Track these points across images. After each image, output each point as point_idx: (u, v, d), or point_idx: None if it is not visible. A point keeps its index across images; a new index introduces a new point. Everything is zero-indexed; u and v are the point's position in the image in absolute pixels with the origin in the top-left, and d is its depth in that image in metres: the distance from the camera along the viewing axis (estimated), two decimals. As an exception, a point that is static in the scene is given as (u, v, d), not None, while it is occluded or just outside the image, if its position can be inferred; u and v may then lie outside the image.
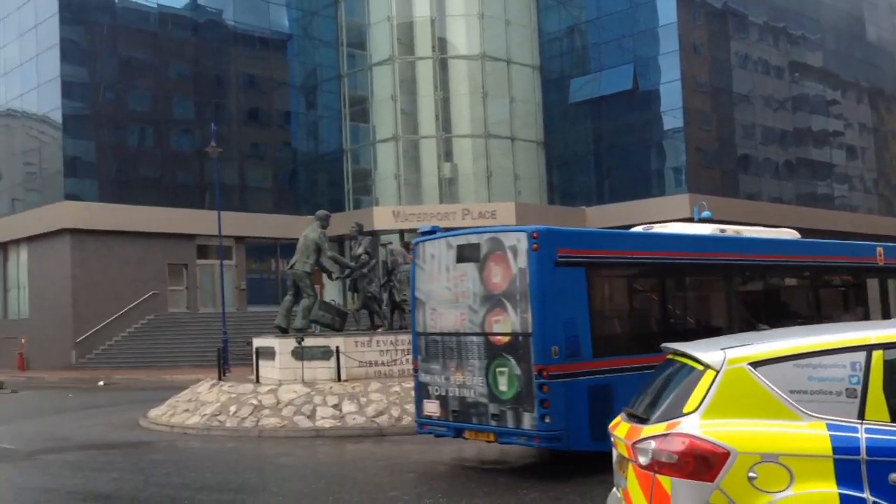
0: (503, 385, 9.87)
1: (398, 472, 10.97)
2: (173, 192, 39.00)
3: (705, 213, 33.27)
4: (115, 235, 36.07)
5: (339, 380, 15.93)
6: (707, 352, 4.74)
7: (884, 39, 54.04)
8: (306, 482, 10.57)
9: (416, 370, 11.12)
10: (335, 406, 14.99)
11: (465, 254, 10.37)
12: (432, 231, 11.14)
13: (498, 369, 9.91)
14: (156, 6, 39.82)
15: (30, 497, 10.09)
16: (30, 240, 38.66)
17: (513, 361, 9.76)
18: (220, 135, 31.00)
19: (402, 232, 39.49)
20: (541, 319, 9.53)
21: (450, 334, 10.52)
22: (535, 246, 9.56)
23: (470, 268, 10.29)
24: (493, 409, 9.99)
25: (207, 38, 41.39)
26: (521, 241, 9.72)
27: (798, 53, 46.98)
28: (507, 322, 9.86)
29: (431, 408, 10.77)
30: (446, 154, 42.09)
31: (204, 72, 41.28)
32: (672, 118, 40.05)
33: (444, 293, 10.65)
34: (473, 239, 10.37)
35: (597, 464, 8.67)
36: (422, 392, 10.96)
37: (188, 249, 38.62)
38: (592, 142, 43.28)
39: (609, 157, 42.53)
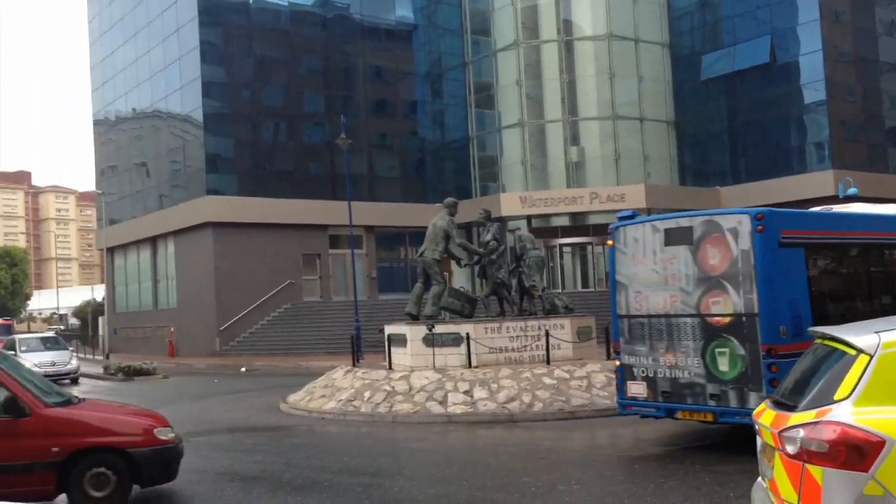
0: (724, 365, 10.04)
1: (530, 458, 10.90)
2: (306, 184, 40.22)
3: (851, 190, 31.39)
4: (252, 227, 37.58)
5: (470, 366, 15.99)
6: (860, 336, 4.42)
7: None
8: (439, 467, 10.66)
9: (617, 352, 11.34)
10: (466, 392, 15.06)
11: (675, 237, 10.62)
12: (632, 215, 11.43)
13: (717, 350, 10.09)
14: (287, 5, 41.10)
15: (183, 477, 10.61)
16: (176, 233, 40.85)
17: (735, 342, 9.95)
18: (348, 126, 31.71)
19: (529, 217, 39.30)
20: (768, 300, 9.73)
21: (658, 316, 10.77)
22: (759, 228, 9.75)
23: (681, 250, 10.55)
24: (711, 389, 10.17)
25: (336, 33, 42.36)
26: (742, 224, 9.90)
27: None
28: (727, 303, 10.05)
29: (637, 389, 11.01)
30: (573, 138, 41.51)
31: (333, 66, 42.30)
32: (813, 91, 37.96)
33: (651, 276, 10.90)
34: (684, 222, 10.59)
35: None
36: (625, 374, 11.19)
37: (321, 239, 39.77)
38: (727, 119, 41.63)
39: (745, 135, 40.77)
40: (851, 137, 38.92)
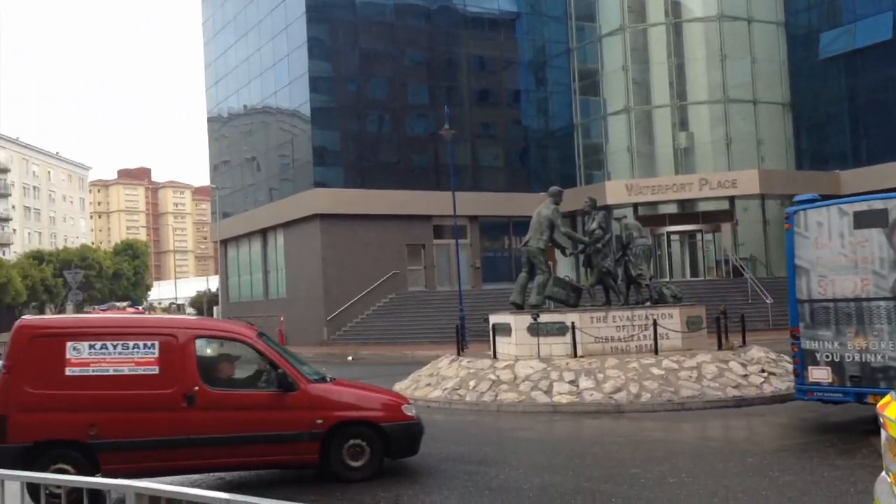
0: None
1: (638, 449, 10.65)
2: (410, 175, 40.60)
3: None
4: (358, 219, 38.21)
5: (575, 355, 15.78)
6: None
7: None
8: (545, 456, 10.55)
9: (796, 338, 11.24)
10: (571, 382, 14.87)
11: (867, 219, 10.57)
12: (812, 199, 11.31)
13: None
14: (392, -2, 41.54)
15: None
16: (285, 225, 41.97)
17: None
18: (452, 117, 31.78)
19: (635, 206, 38.49)
20: None
21: (847, 300, 10.70)
22: None
23: (874, 233, 10.51)
24: None
25: (440, 24, 42.51)
26: None
27: None
28: None
29: (820, 374, 10.96)
30: (681, 123, 40.37)
31: (436, 57, 42.50)
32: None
33: (838, 259, 10.84)
34: (878, 204, 10.53)
35: None
36: (806, 359, 11.13)
37: (425, 230, 40.08)
38: (847, 100, 39.57)
39: (866, 116, 38.66)
40: None
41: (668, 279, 35.53)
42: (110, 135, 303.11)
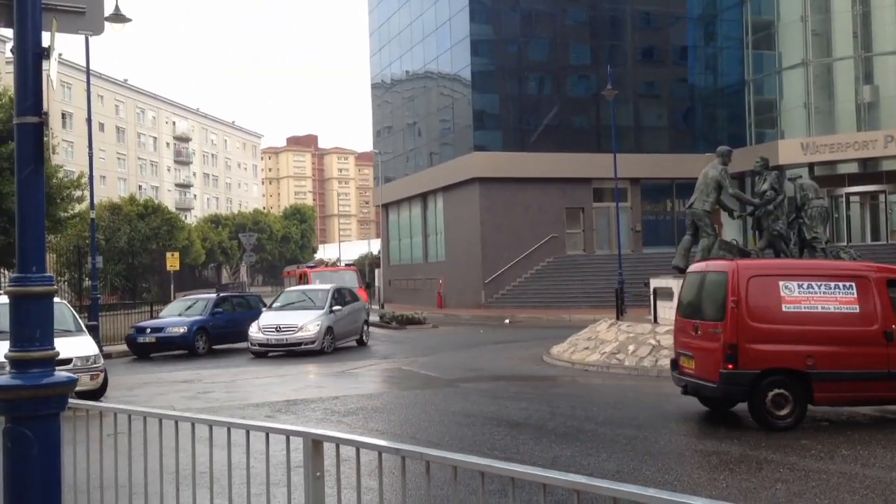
0: None
1: (808, 420, 10.11)
2: (570, 138, 40.04)
3: None
4: (516, 182, 38.15)
5: (742, 322, 15.12)
6: None
7: None
8: (707, 423, 10.23)
9: None
10: (738, 349, 14.28)
11: None
12: None
13: None
14: (554, -45, 40.78)
15: (454, 420, 11.12)
16: (445, 189, 42.55)
17: None
18: (614, 77, 30.99)
19: (811, 165, 36.29)
20: None
21: None
22: None
23: None
24: None
25: (603, -20, 41.42)
26: None
27: None
28: None
29: None
30: (866, 76, 37.47)
31: (600, 15, 41.49)
32: None
33: None
34: None
35: None
36: None
37: (584, 193, 39.51)
38: None
39: None
40: None
41: (846, 243, 33.36)
42: (281, 104, 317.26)
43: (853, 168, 37.47)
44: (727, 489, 7.05)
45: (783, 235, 16.49)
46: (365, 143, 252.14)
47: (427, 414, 11.46)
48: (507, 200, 38.12)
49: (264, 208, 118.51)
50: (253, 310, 23.16)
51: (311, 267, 37.00)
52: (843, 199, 37.23)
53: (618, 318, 18.27)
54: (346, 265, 45.08)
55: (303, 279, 34.84)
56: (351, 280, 32.75)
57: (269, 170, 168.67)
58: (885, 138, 34.84)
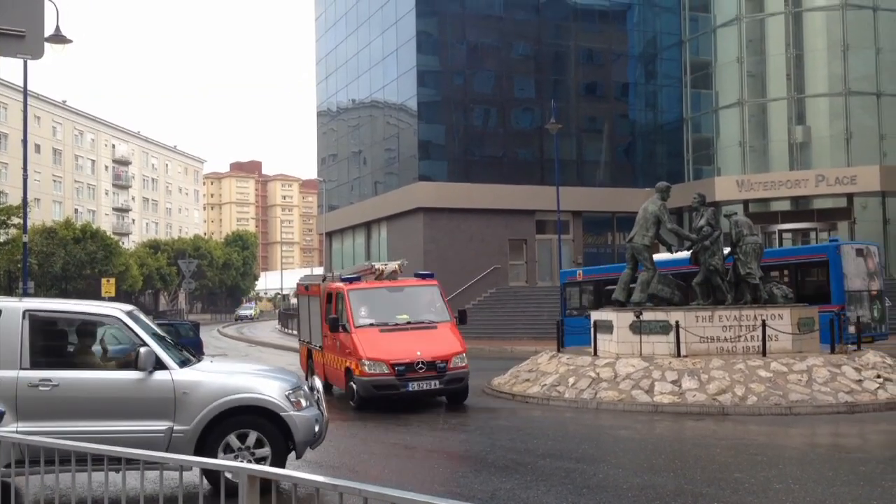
0: None
1: (743, 453, 10.31)
2: (514, 170, 40.50)
3: None
4: (461, 213, 38.39)
5: (679, 355, 15.41)
6: None
7: None
8: (645, 456, 10.35)
9: None
10: (674, 382, 14.54)
11: None
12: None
13: None
14: (501, -10, 41.47)
15: (393, 452, 11.05)
16: (389, 218, 42.57)
17: None
18: (558, 111, 31.53)
19: (745, 202, 37.29)
20: None
21: None
22: None
23: None
24: None
25: (548, 17, 42.22)
26: None
27: None
28: None
29: None
30: (798, 116, 38.78)
31: (544, 50, 42.25)
32: None
33: None
34: None
35: None
36: None
37: (527, 225, 39.91)
38: (979, 92, 37.15)
39: None
40: None
41: (779, 279, 34.24)
42: (225, 130, 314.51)
43: (786, 206, 38.60)
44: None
45: (719, 270, 16.89)
46: (310, 171, 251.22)
47: (366, 445, 11.36)
48: (451, 231, 38.30)
49: (205, 234, 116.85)
50: (182, 338, 22.44)
51: (350, 280, 16.29)
52: (776, 235, 38.27)
53: (559, 350, 18.40)
54: (420, 275, 17.30)
55: (333, 302, 16.39)
56: (430, 303, 16.10)
57: (212, 195, 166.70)
58: (817, 177, 36.02)
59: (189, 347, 9.62)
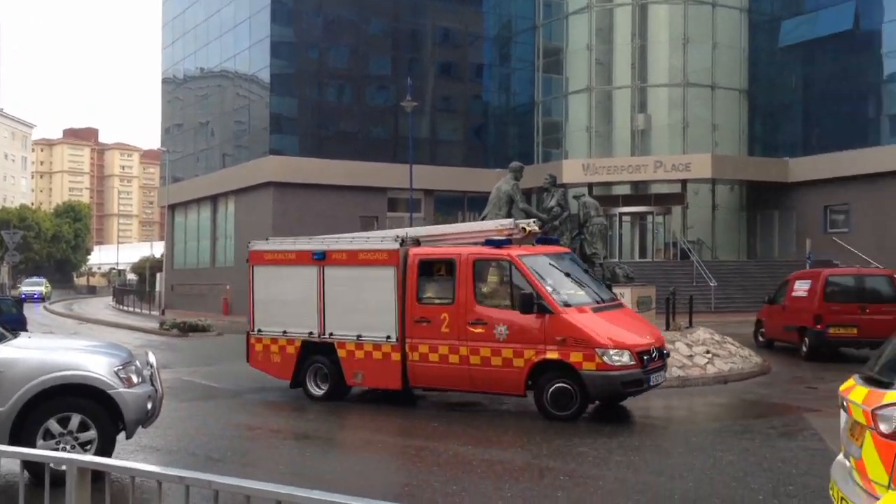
0: None
1: (583, 425, 10.57)
2: (367, 147, 40.14)
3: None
4: (312, 189, 37.66)
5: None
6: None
7: None
8: (496, 432, 10.41)
9: None
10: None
11: None
12: None
13: None
14: (360, -36, 40.77)
15: (236, 433, 10.62)
16: (237, 192, 41.21)
17: None
18: (414, 88, 31.40)
19: (590, 185, 38.60)
20: None
21: None
22: None
23: None
24: None
25: (408, -6, 41.95)
26: None
27: None
28: None
29: None
30: (641, 105, 40.50)
31: (401, 27, 41.99)
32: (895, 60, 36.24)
33: None
34: None
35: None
36: None
37: (379, 202, 39.71)
38: (801, 88, 40.05)
39: (819, 105, 39.13)
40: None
41: (617, 259, 35.77)
42: (58, 93, 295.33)
43: (626, 190, 40.28)
44: (512, 499, 7.16)
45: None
46: (153, 141, 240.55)
47: (207, 427, 10.86)
48: (301, 206, 37.51)
49: (33, 204, 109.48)
50: (3, 315, 20.72)
51: (500, 244, 12.05)
52: (617, 218, 39.91)
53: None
54: (546, 240, 13.59)
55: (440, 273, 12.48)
56: (586, 275, 13.26)
57: (41, 163, 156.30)
58: (655, 164, 37.75)
59: (7, 325, 8.75)
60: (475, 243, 12.13)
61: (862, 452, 4.11)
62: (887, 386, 4.10)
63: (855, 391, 4.38)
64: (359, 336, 12.26)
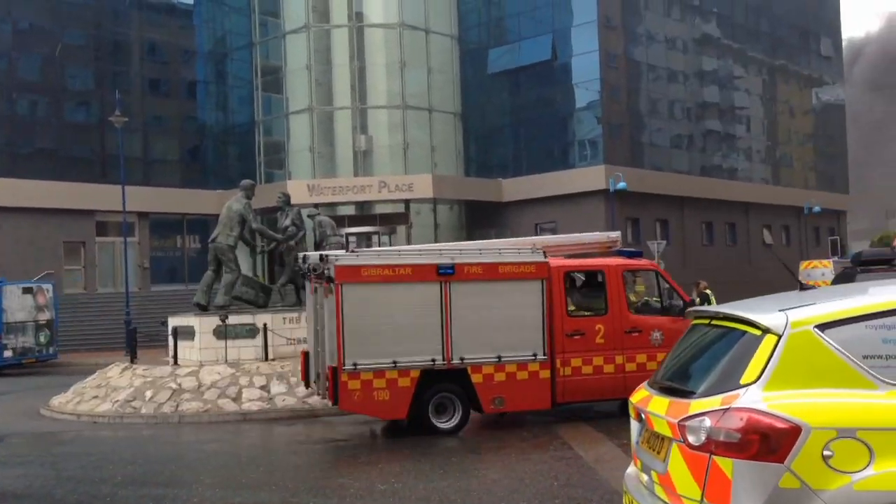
0: None
1: (341, 456, 10.15)
2: (70, 165, 36.60)
3: (620, 185, 33.46)
4: (5, 212, 33.60)
5: (267, 359, 14.94)
6: (765, 314, 4.06)
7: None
8: (242, 470, 9.62)
9: None
10: (262, 387, 14.01)
11: None
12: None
13: None
14: (50, -34, 37.16)
15: None
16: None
17: None
18: (123, 103, 29.21)
19: (316, 206, 38.13)
20: None
21: None
22: None
23: None
24: None
25: (108, 3, 38.97)
26: None
27: (708, 27, 47.53)
28: None
29: None
30: (362, 126, 40.87)
31: (103, 37, 38.86)
32: (586, 91, 39.89)
33: None
34: None
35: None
36: None
37: (86, 226, 36.33)
38: (510, 113, 42.77)
39: (526, 129, 42.07)
40: (618, 136, 41.23)
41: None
42: None
43: (352, 210, 40.43)
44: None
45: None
46: None
47: None
48: (-7, 232, 33.29)
49: None
50: None
51: (633, 255, 13.23)
52: (344, 238, 39.76)
53: (132, 362, 16.75)
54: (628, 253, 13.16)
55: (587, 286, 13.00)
56: None
57: None
58: (379, 184, 38.22)
59: None
60: (573, 255, 12.74)
61: (668, 467, 4.04)
62: (688, 395, 4.09)
63: (654, 402, 4.34)
64: (499, 357, 11.12)
